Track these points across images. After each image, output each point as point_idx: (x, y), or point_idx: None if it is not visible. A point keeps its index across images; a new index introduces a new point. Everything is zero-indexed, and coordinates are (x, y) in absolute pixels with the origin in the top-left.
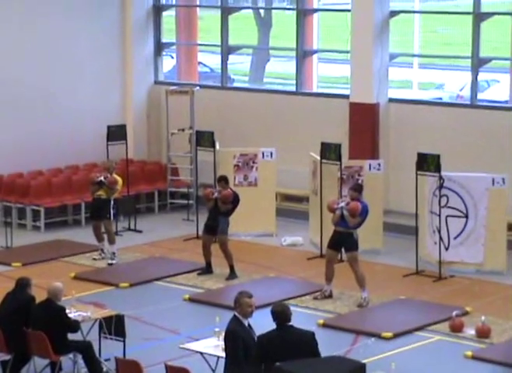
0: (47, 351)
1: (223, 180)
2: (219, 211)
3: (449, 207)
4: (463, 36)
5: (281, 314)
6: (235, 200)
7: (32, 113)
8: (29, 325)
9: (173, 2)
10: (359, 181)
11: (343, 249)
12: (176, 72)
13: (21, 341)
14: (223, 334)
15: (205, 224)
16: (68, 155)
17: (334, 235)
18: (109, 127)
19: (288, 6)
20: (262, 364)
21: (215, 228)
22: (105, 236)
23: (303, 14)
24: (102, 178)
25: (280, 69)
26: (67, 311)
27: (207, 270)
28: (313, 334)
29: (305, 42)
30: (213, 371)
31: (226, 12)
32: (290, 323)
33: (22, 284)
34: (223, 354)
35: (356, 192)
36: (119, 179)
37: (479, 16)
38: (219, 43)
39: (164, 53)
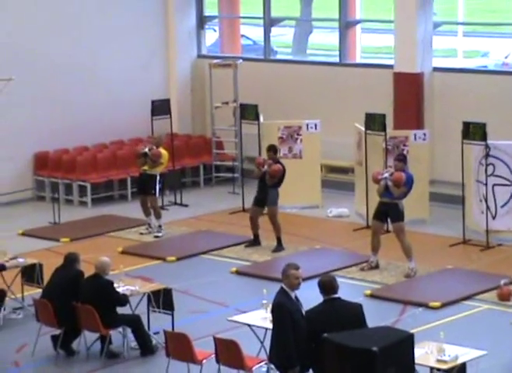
0: (96, 325)
1: (272, 150)
2: (266, 184)
3: (495, 175)
4: (508, 2)
5: (328, 286)
6: (282, 176)
7: (76, 89)
8: (79, 299)
9: None
10: (404, 151)
11: (389, 220)
12: (219, 45)
13: (71, 315)
14: (271, 306)
15: (254, 196)
16: (113, 131)
17: (379, 205)
18: (153, 102)
19: None
20: (312, 342)
21: (264, 201)
22: (152, 211)
23: None
24: (147, 149)
25: (323, 40)
26: (115, 285)
27: (254, 242)
28: (360, 306)
29: (348, 12)
30: (261, 342)
31: None
32: (337, 295)
33: (71, 259)
34: (271, 326)
35: (401, 162)
36: (164, 152)
37: None
38: (262, 16)
39: (207, 26)
